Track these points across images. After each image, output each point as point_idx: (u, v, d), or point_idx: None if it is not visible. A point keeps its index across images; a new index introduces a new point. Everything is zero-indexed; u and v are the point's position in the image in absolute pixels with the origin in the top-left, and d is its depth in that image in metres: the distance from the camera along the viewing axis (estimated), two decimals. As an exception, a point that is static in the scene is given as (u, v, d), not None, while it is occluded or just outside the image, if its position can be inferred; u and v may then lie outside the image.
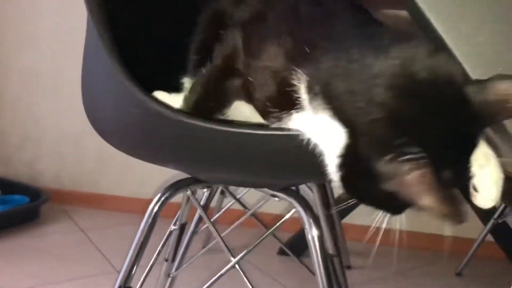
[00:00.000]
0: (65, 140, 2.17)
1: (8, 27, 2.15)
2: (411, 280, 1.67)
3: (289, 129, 0.53)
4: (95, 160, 2.17)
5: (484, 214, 1.70)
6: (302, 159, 0.53)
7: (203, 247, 1.72)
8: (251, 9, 0.68)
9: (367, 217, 2.07)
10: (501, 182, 0.54)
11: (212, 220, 0.96)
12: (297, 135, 0.51)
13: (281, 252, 1.73)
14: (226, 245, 0.76)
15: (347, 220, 1.79)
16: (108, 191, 2.17)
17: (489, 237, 1.69)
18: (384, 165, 0.50)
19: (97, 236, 1.85)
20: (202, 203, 1.04)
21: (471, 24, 0.48)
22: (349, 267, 1.71)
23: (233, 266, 0.76)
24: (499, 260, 1.69)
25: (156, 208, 0.75)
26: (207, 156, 0.57)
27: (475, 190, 0.55)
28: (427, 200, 0.51)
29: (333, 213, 1.47)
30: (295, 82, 0.53)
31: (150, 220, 0.76)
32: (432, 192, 0.50)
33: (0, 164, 2.23)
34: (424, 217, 1.87)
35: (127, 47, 0.58)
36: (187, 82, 0.76)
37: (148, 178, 2.05)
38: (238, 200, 0.92)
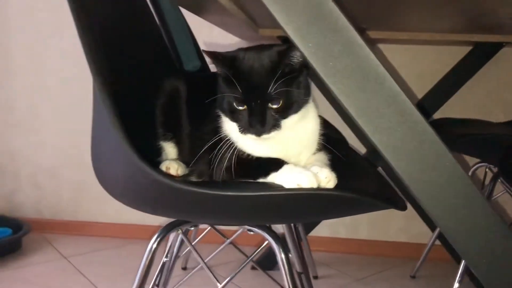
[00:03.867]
0: (42, 172, 2.26)
1: (-18, 66, 2.23)
2: (371, 285, 1.85)
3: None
4: (73, 189, 2.27)
5: (432, 222, 1.91)
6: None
7: (182, 268, 1.86)
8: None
9: (329, 229, 2.31)
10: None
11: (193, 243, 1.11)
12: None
13: (254, 267, 1.88)
14: (212, 273, 0.92)
15: (312, 233, 1.97)
16: (87, 218, 2.27)
17: (439, 241, 1.90)
18: None
19: (81, 262, 1.95)
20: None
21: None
22: (316, 277, 1.87)
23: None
24: (448, 262, 1.89)
25: (154, 246, 0.90)
26: (201, 211, 0.75)
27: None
28: None
29: (299, 230, 1.64)
30: None
31: (150, 255, 0.90)
32: None
33: (-21, 198, 2.30)
34: (381, 226, 2.12)
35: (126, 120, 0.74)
36: (164, 145, 0.95)
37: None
38: (220, 232, 1.08)
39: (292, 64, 0.80)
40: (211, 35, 2.02)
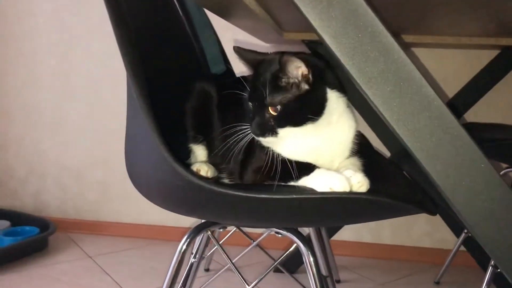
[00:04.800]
0: (67, 173, 2.31)
1: (12, 68, 2.28)
2: (394, 290, 1.84)
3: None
4: (97, 190, 2.30)
5: (457, 228, 1.89)
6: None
7: (205, 269, 1.88)
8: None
9: (352, 234, 2.30)
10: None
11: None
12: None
13: (277, 270, 1.88)
14: (240, 274, 0.93)
15: (335, 237, 1.96)
16: (110, 218, 2.30)
17: (464, 247, 1.88)
18: None
19: (105, 262, 1.98)
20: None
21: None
22: (338, 281, 1.87)
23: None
24: (473, 268, 1.86)
25: (184, 247, 0.91)
26: (233, 213, 0.75)
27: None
28: None
29: (322, 233, 1.64)
30: None
31: (179, 257, 0.91)
32: None
33: (7, 197, 2.36)
34: (405, 231, 2.11)
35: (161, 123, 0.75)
36: (194, 148, 0.97)
37: (147, 205, 2.19)
38: (246, 235, 1.09)
39: (292, 77, 0.81)
40: (236, 39, 2.03)
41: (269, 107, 0.81)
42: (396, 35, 0.60)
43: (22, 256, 1.96)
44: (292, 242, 0.91)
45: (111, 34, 0.77)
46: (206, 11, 1.42)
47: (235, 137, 0.86)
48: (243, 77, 1.14)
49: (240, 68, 1.54)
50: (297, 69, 0.81)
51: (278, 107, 0.80)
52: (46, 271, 1.89)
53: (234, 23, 1.68)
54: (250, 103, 0.85)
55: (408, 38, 1.61)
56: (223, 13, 1.52)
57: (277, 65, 0.82)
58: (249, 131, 0.85)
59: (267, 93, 0.80)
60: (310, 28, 0.62)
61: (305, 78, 0.81)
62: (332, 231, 1.93)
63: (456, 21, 1.30)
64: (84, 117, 2.26)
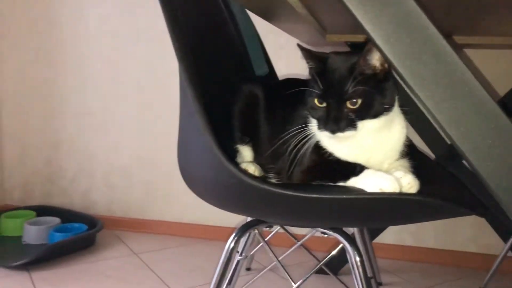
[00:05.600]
0: (115, 172, 2.39)
1: (64, 72, 2.39)
2: (438, 295, 1.81)
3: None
4: (142, 189, 2.38)
5: (504, 232, 1.84)
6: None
7: (247, 268, 1.91)
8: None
9: (394, 236, 2.28)
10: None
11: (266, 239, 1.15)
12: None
13: (318, 271, 1.89)
14: (286, 271, 0.95)
15: (377, 240, 1.95)
16: (156, 216, 2.37)
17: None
18: None
19: (149, 259, 2.04)
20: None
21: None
22: (380, 284, 1.86)
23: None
24: (521, 274, 1.82)
25: (232, 245, 0.93)
26: (282, 212, 0.78)
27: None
28: None
29: (364, 236, 1.64)
30: None
31: (228, 254, 0.94)
32: None
33: (58, 195, 2.47)
34: (449, 235, 2.08)
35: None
36: (241, 148, 1.00)
37: (190, 204, 2.25)
38: (291, 234, 1.11)
39: (373, 66, 0.82)
40: (278, 41, 2.05)
41: (349, 101, 0.81)
42: (448, 36, 0.60)
43: (71, 251, 2.05)
44: (337, 244, 0.92)
45: (157, 39, 0.81)
46: (249, 13, 1.45)
47: (300, 138, 0.87)
48: (288, 79, 1.16)
49: (280, 71, 1.57)
50: (377, 60, 0.82)
51: (358, 99, 0.81)
52: (94, 266, 1.96)
53: (276, 25, 1.70)
54: (320, 101, 0.84)
55: (460, 40, 1.59)
56: (267, 15, 1.54)
57: (354, 58, 0.83)
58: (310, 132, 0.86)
59: (349, 86, 0.81)
60: (356, 30, 0.63)
61: (383, 68, 0.82)
62: (374, 234, 1.92)
63: (507, 20, 1.28)
64: (131, 119, 2.33)
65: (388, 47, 0.62)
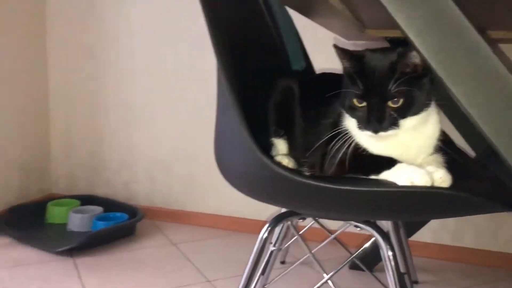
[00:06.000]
0: (156, 164, 2.47)
1: (108, 67, 2.48)
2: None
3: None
4: (182, 181, 2.44)
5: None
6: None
7: (281, 262, 1.93)
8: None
9: (432, 235, 2.25)
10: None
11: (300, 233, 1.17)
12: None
13: (353, 267, 1.89)
14: (320, 264, 0.96)
15: (413, 238, 1.93)
16: (194, 208, 2.43)
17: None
18: None
19: (188, 249, 2.09)
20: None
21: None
22: (416, 282, 1.84)
23: (326, 282, 0.96)
24: None
25: (265, 235, 0.96)
26: (314, 203, 0.80)
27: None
28: None
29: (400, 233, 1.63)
30: None
31: (261, 244, 0.97)
32: None
33: (101, 185, 2.57)
34: (489, 235, 2.03)
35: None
36: (276, 142, 1.02)
37: (228, 197, 2.29)
38: (324, 227, 1.13)
39: (413, 65, 0.82)
40: (316, 36, 2.06)
41: (391, 100, 0.81)
42: (482, 31, 0.60)
43: (112, 239, 2.13)
44: (369, 238, 0.92)
45: (197, 36, 0.84)
46: (288, 8, 1.46)
47: (334, 133, 0.88)
48: (323, 73, 1.17)
49: (319, 65, 1.58)
50: (415, 57, 0.82)
51: (401, 98, 0.81)
52: (133, 254, 2.03)
53: (315, 21, 1.71)
54: (359, 101, 0.84)
55: (495, 34, 1.55)
56: (305, 11, 1.55)
57: (394, 56, 0.83)
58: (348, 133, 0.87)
59: (391, 85, 0.81)
60: (394, 25, 0.64)
61: (422, 64, 0.82)
62: (411, 231, 1.90)
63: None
64: (172, 113, 2.40)
65: (420, 42, 0.62)
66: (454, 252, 2.07)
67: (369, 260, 1.83)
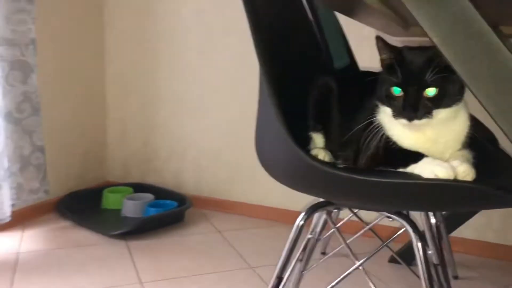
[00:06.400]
0: (204, 155, 2.59)
1: (162, 61, 2.61)
2: (517, 294, 1.77)
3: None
4: (229, 172, 2.54)
5: None
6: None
7: (322, 252, 1.99)
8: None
9: (476, 232, 2.25)
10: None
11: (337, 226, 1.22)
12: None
13: (392, 260, 1.92)
14: (351, 251, 1.02)
15: (455, 234, 1.93)
16: (239, 198, 2.53)
17: None
18: None
19: (232, 237, 2.20)
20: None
21: None
22: (456, 277, 1.85)
23: (357, 268, 1.02)
24: None
25: (301, 223, 1.03)
26: (346, 194, 0.86)
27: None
28: None
29: (440, 228, 1.65)
30: None
31: (297, 231, 1.04)
32: None
33: (152, 174, 2.71)
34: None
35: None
36: (314, 136, 1.08)
37: (272, 188, 2.36)
38: (360, 218, 1.18)
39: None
40: (361, 33, 2.09)
41: (427, 89, 0.86)
42: (495, 26, 0.64)
43: (162, 225, 2.26)
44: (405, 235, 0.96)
45: (246, 32, 0.91)
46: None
47: (368, 128, 0.93)
48: (362, 72, 1.22)
49: (364, 62, 1.61)
50: None
51: (436, 88, 0.86)
52: (182, 240, 2.16)
53: (357, 20, 1.74)
54: (397, 90, 0.89)
55: (507, 29, 1.53)
56: (346, 12, 1.60)
57: (429, 51, 0.88)
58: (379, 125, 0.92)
59: (428, 75, 0.85)
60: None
61: None
62: (452, 227, 1.90)
63: None
64: (220, 105, 2.51)
65: (443, 45, 0.67)
66: (498, 249, 2.06)
67: (408, 255, 1.86)
